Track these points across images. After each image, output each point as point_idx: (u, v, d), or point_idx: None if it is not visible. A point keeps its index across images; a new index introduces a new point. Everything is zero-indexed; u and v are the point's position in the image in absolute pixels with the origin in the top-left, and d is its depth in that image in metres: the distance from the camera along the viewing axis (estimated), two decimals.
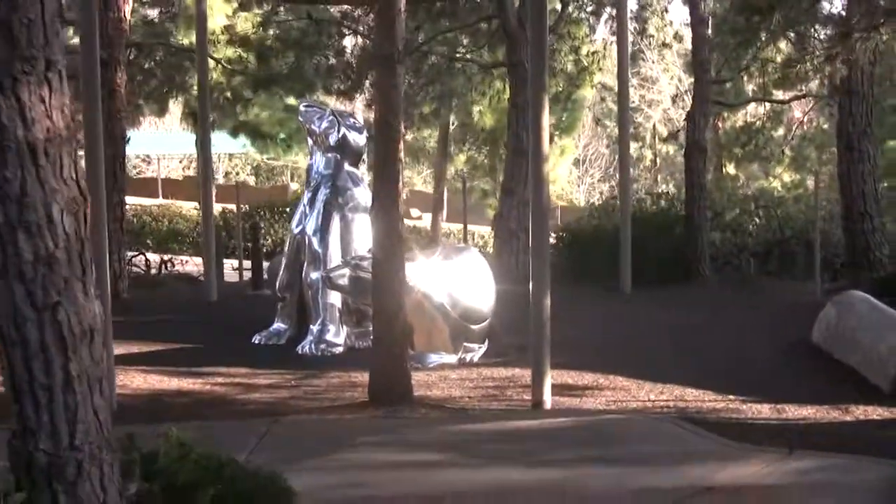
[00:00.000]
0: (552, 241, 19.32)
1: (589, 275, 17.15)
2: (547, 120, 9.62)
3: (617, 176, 60.12)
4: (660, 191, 28.15)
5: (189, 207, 34.68)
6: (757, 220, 19.73)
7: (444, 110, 25.50)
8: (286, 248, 13.87)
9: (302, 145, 28.57)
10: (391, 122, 9.42)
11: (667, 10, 34.68)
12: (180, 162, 54.69)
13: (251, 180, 54.87)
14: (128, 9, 15.58)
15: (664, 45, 33.41)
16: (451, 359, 11.96)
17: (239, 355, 12.45)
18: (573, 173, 59.88)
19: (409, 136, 37.54)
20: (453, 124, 29.64)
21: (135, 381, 11.01)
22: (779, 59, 19.36)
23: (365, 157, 14.42)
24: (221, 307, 15.57)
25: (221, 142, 37.61)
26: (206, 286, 16.16)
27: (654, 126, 58.79)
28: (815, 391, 10.09)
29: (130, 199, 34.49)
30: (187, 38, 24.46)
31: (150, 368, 11.60)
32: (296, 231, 13.50)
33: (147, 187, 47.74)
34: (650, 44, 42.11)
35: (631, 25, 23.85)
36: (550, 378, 9.68)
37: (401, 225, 9.56)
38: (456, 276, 12.18)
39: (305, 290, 13.13)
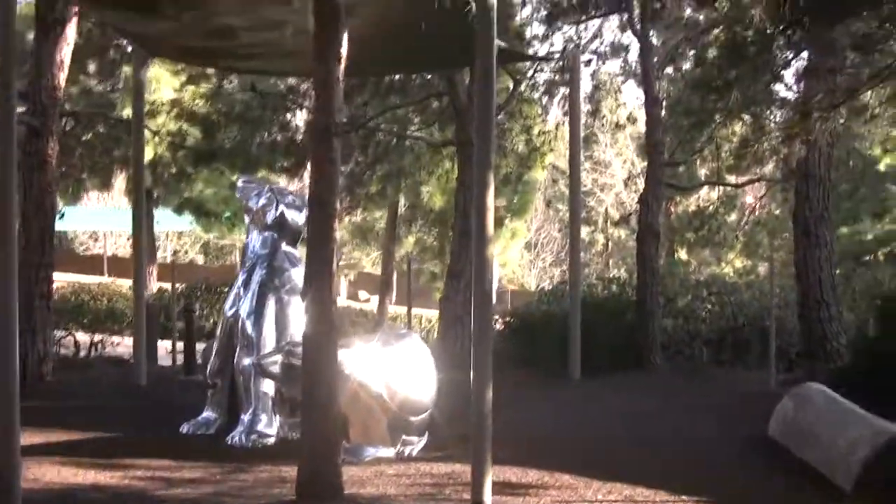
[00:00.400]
0: (500, 326, 18.77)
1: (537, 361, 16.55)
2: (492, 200, 9.07)
3: (569, 260, 60.18)
4: (611, 275, 27.63)
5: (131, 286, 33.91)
6: (710, 306, 19.21)
7: (392, 190, 24.96)
8: (218, 332, 13.15)
9: None
10: (326, 198, 8.85)
11: (620, 91, 34.43)
12: (128, 239, 53.71)
13: (200, 259, 54.13)
14: (62, 76, 14.92)
15: (617, 125, 33.13)
16: (389, 452, 11.27)
17: (164, 446, 11.70)
18: (524, 257, 59.67)
19: (357, 217, 37.10)
20: (403, 205, 29.12)
21: (47, 474, 10.22)
22: (734, 140, 18.98)
23: (305, 236, 13.79)
24: (151, 392, 14.78)
25: (168, 219, 36.95)
26: (135, 369, 15.35)
27: (605, 210, 58.78)
28: (773, 492, 9.57)
29: (73, 277, 33.88)
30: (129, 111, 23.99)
31: (65, 459, 10.81)
32: (229, 314, 12.81)
33: (93, 265, 46.79)
34: (603, 125, 42.02)
35: (584, 106, 23.24)
36: (491, 476, 9.07)
37: (333, 310, 8.95)
38: (395, 364, 11.52)
39: (237, 377, 12.42)
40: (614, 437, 11.97)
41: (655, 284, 16.93)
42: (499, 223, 28.29)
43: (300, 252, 13.24)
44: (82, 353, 17.05)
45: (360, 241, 36.02)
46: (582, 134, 18.03)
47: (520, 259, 56.62)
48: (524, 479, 10.02)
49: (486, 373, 8.89)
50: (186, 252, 58.02)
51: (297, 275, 12.64)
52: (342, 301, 40.26)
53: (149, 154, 24.94)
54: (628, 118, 28.96)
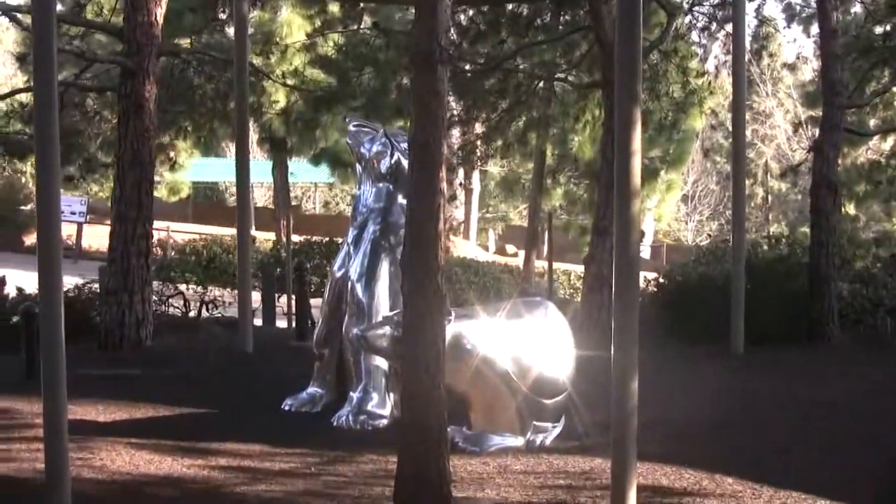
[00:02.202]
0: (652, 287, 16.83)
1: (694, 331, 14.50)
2: (638, 144, 7.15)
3: (727, 213, 57.59)
4: (778, 232, 25.23)
5: (263, 238, 32.59)
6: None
7: (537, 138, 22.94)
8: (325, 295, 11.53)
9: None
10: (430, 139, 7.08)
11: (788, 26, 31.63)
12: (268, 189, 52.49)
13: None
14: (160, 12, 13.45)
15: (787, 66, 30.33)
16: (517, 442, 9.54)
17: (259, 426, 10.22)
18: (681, 210, 57.46)
19: (503, 168, 35.24)
20: (551, 155, 27.10)
21: (118, 460, 8.83)
22: None
23: None
24: (257, 360, 13.28)
25: (306, 171, 35.64)
26: (240, 334, 13.88)
27: (766, 162, 55.94)
28: None
29: (216, 230, 32.77)
30: (260, 58, 22.56)
31: (144, 441, 9.44)
32: (338, 275, 11.20)
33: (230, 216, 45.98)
34: (769, 67, 39.35)
35: (748, 44, 20.83)
36: (637, 479, 7.28)
37: (440, 275, 7.18)
38: (526, 338, 9.76)
39: (346, 348, 10.82)
40: (787, 428, 9.99)
41: (832, 244, 14.72)
42: (653, 175, 26.23)
43: None
44: (194, 313, 15.65)
45: (507, 194, 34.08)
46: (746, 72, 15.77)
47: (676, 212, 54.45)
48: (678, 483, 8.20)
49: (630, 357, 7.06)
50: (338, 204, 56.83)
51: None
52: (488, 255, 38.59)
53: (281, 101, 23.68)
54: (798, 58, 26.18)
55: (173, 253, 28.97)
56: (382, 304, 10.69)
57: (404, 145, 11.29)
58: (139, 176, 13.29)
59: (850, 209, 28.32)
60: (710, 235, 53.04)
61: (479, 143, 19.48)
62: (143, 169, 13.34)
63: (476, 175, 38.11)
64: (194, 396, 11.30)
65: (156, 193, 34.66)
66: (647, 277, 17.57)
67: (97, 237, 32.63)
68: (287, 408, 10.99)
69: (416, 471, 7.16)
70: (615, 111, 7.28)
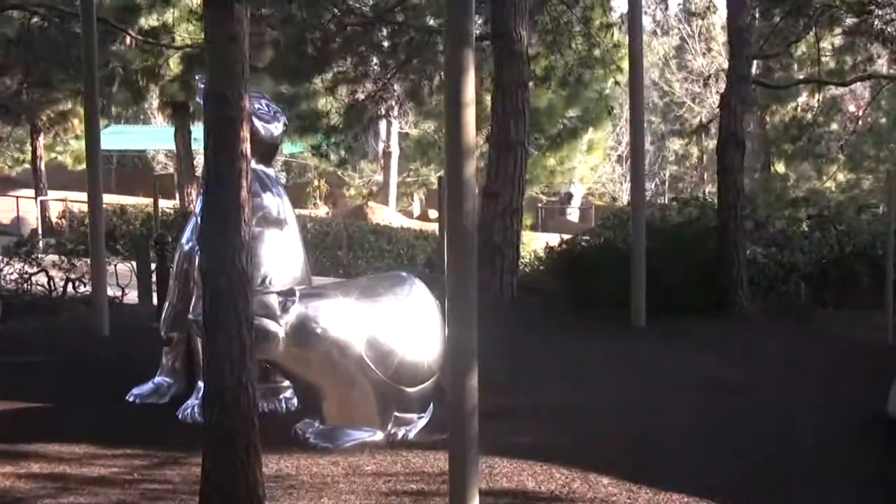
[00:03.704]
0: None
1: (593, 302, 13.49)
2: (472, 92, 6.10)
3: (662, 174, 56.88)
4: (689, 194, 24.34)
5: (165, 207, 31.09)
6: (806, 230, 15.98)
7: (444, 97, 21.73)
8: (172, 271, 10.37)
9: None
10: (226, 94, 5.97)
11: None
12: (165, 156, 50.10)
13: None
14: None
15: (691, 14, 29.18)
16: (377, 436, 8.44)
17: (94, 422, 9.03)
18: (615, 171, 56.80)
19: (414, 130, 33.99)
20: None
21: None
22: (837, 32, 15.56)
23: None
24: (112, 345, 12.04)
25: None
26: (95, 316, 12.64)
27: (700, 121, 55.24)
28: None
29: (129, 200, 31.31)
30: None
31: None
32: (185, 248, 10.03)
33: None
34: (698, 28, 38.24)
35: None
36: (501, 481, 6.41)
37: (244, 255, 6.08)
38: (386, 318, 8.69)
39: (193, 332, 9.67)
40: (679, 415, 9.04)
41: (741, 206, 13.77)
42: (572, 134, 25.27)
43: (274, 171, 10.43)
44: (56, 293, 14.40)
45: (422, 157, 32.91)
46: (651, 26, 14.66)
47: (611, 173, 53.86)
48: (546, 485, 7.21)
49: (468, 341, 6.11)
50: None
51: (271, 201, 9.89)
52: (411, 222, 37.48)
53: (177, 66, 22.42)
54: (709, 7, 25.01)
55: (74, 224, 27.53)
56: None
57: (257, 104, 10.15)
58: None
59: (780, 168, 27.62)
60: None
61: (368, 102, 18.21)
62: None
63: (395, 138, 36.99)
64: (32, 387, 10.10)
65: (61, 162, 33.55)
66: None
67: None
68: (132, 399, 9.84)
69: (221, 483, 6.09)
70: (446, 55, 6.22)
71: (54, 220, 29.68)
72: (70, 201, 30.55)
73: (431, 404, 8.93)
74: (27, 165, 33.14)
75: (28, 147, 30.18)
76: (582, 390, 9.90)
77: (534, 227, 36.50)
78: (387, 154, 37.52)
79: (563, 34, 17.08)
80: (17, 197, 30.70)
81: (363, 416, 8.53)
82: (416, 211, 45.66)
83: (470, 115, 6.03)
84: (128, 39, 22.52)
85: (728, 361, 10.97)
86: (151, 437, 8.58)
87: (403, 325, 8.81)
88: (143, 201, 30.57)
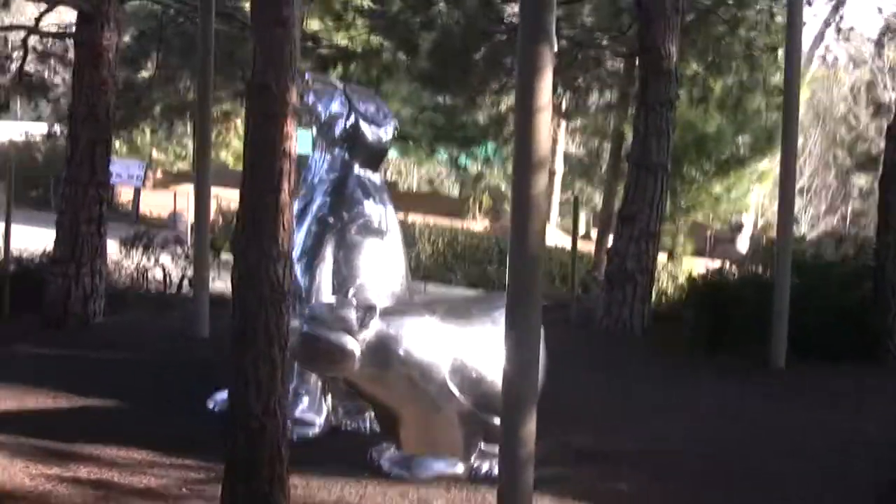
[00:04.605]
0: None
1: (730, 340, 12.41)
2: (548, 95, 5.34)
3: (844, 208, 54.53)
4: (853, 233, 22.78)
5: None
6: None
7: (614, 116, 20.82)
8: None
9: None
10: (271, 83, 5.37)
11: None
12: None
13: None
14: None
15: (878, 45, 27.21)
16: (457, 468, 7.75)
17: (163, 428, 8.56)
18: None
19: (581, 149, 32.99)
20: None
21: None
22: None
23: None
24: (210, 347, 11.53)
25: None
26: (194, 316, 12.26)
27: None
28: None
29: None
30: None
31: (6, 441, 7.85)
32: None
33: None
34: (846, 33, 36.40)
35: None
36: None
37: (282, 267, 5.45)
38: (478, 341, 7.97)
39: None
40: (812, 483, 7.98)
41: None
42: (739, 162, 24.08)
43: (379, 179, 9.80)
44: (173, 289, 14.06)
45: (584, 177, 31.94)
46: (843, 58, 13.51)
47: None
48: None
49: (528, 378, 5.36)
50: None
51: (373, 209, 9.28)
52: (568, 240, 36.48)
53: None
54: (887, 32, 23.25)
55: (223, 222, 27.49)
56: (325, 291, 8.96)
57: (367, 106, 9.57)
58: (93, 134, 11.70)
59: None
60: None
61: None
62: (98, 126, 11.73)
63: (559, 156, 36.18)
64: (112, 386, 9.69)
65: (222, 159, 33.64)
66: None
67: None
68: (211, 406, 9.33)
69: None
70: (518, 52, 5.46)
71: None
72: (221, 199, 30.63)
73: None
74: (186, 164, 33.40)
75: (190, 143, 30.39)
76: (701, 438, 8.92)
77: (699, 253, 35.18)
78: (550, 172, 36.62)
79: (724, 55, 16.06)
80: (175, 191, 30.96)
81: (444, 446, 7.84)
82: (582, 229, 44.67)
83: (543, 123, 5.28)
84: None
85: (868, 417, 9.84)
86: (217, 448, 8.02)
87: (497, 350, 8.07)
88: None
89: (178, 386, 9.90)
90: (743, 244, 43.67)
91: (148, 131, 28.97)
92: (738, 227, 43.51)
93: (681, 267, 23.55)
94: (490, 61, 16.18)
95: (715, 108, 18.16)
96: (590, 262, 26.87)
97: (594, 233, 40.27)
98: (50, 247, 12.59)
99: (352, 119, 9.35)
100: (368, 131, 9.41)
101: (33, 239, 14.07)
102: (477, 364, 7.87)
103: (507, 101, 17.48)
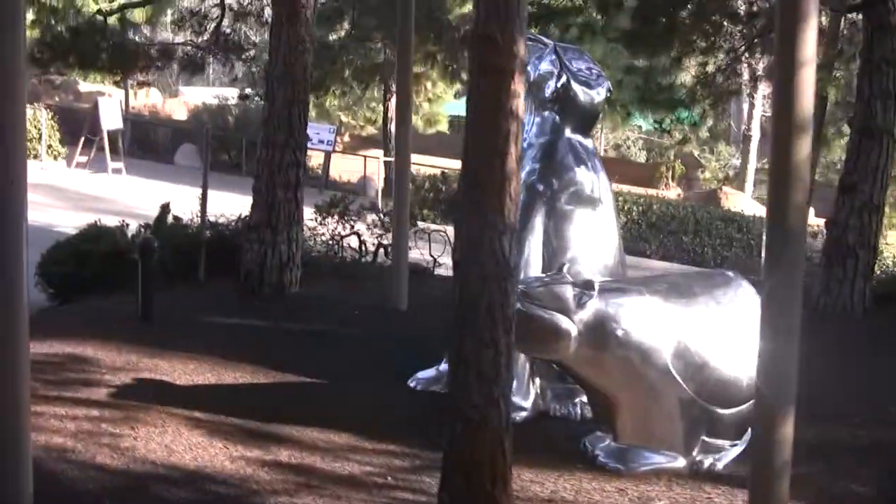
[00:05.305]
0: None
1: None
2: (813, 47, 4.66)
3: None
4: None
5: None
6: None
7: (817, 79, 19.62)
8: None
9: None
10: (496, 35, 4.81)
11: None
12: None
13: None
14: None
15: None
16: (678, 462, 7.12)
17: (364, 406, 8.19)
18: None
19: None
20: (835, 100, 23.58)
21: (155, 440, 7.07)
22: None
23: None
24: (408, 321, 11.08)
25: None
26: (392, 288, 11.75)
27: None
28: None
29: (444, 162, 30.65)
30: None
31: (206, 418, 7.63)
32: None
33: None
34: None
35: None
36: None
37: (507, 240, 4.89)
38: (701, 326, 7.31)
39: None
40: None
41: None
42: None
43: (591, 143, 9.16)
44: (367, 258, 13.64)
45: None
46: None
47: None
48: None
49: (786, 361, 4.70)
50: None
51: (585, 176, 8.66)
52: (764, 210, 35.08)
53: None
54: None
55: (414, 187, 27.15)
56: (534, 264, 8.39)
57: (578, 65, 8.92)
58: (290, 94, 11.29)
59: None
60: None
61: (720, 76, 16.45)
62: (296, 86, 11.32)
63: (756, 120, 34.75)
64: (310, 360, 9.34)
65: (414, 124, 33.33)
66: None
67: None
68: (413, 385, 8.88)
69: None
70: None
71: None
72: (414, 164, 30.28)
73: (749, 431, 7.46)
74: (376, 128, 33.13)
75: (380, 107, 30.07)
76: None
77: None
78: (746, 137, 35.32)
79: None
80: (366, 157, 30.72)
81: (664, 437, 7.22)
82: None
83: (807, 79, 4.60)
84: None
85: None
86: (422, 432, 7.55)
87: (722, 334, 7.39)
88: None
89: (377, 362, 9.47)
90: None
91: (338, 94, 28.76)
92: None
93: None
94: (698, 17, 15.24)
95: None
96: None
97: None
98: (244, 212, 12.35)
99: (563, 79, 8.74)
100: (580, 92, 8.79)
101: (226, 204, 13.88)
102: (701, 348, 7.21)
103: (715, 62, 16.49)
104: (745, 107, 36.15)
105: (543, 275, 7.78)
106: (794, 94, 4.70)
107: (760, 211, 32.96)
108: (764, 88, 22.53)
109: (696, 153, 38.39)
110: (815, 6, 4.67)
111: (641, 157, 43.97)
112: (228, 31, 15.42)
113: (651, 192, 31.79)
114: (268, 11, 16.46)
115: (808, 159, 4.85)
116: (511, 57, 4.80)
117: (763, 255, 5.03)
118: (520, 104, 4.91)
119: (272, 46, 11.45)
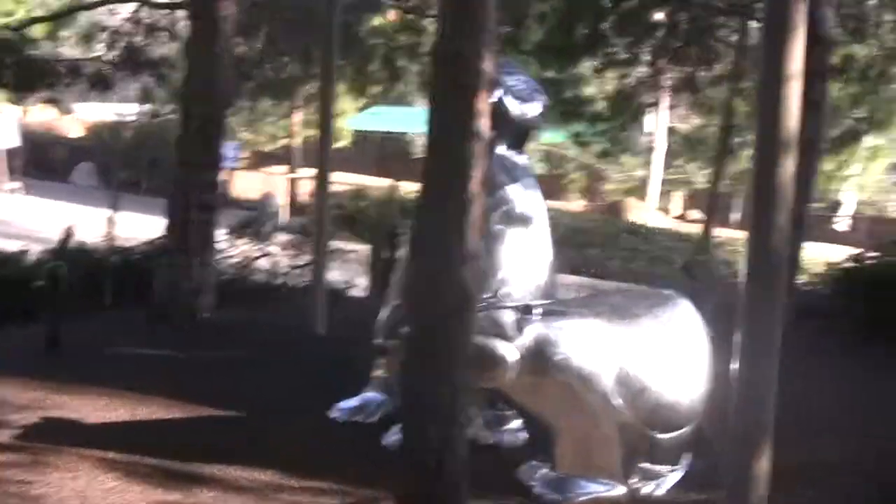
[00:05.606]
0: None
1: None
2: (799, 61, 4.52)
3: None
4: None
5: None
6: None
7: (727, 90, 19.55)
8: (393, 274, 8.92)
9: None
10: (462, 51, 4.60)
11: None
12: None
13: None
14: None
15: None
16: (617, 490, 6.92)
17: (286, 440, 7.77)
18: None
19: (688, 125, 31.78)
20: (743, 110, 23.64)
21: (68, 486, 6.62)
22: None
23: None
24: (326, 346, 10.67)
25: None
26: (310, 312, 11.32)
27: None
28: None
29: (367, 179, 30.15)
30: None
31: (121, 459, 7.22)
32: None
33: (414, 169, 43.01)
34: None
35: None
36: None
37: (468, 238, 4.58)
38: (641, 347, 7.08)
39: None
40: None
41: None
42: (854, 137, 22.81)
43: (526, 160, 8.85)
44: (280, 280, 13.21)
45: (690, 153, 30.72)
46: None
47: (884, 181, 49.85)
48: None
49: (766, 376, 4.54)
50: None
51: (517, 193, 8.35)
52: (667, 222, 35.31)
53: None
54: None
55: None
56: None
57: (513, 81, 8.62)
58: (205, 113, 10.87)
59: None
60: None
61: (640, 89, 16.30)
62: (214, 104, 10.90)
63: (662, 132, 34.89)
64: (227, 391, 8.90)
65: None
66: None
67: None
68: (336, 416, 8.49)
69: None
70: (765, 8, 4.58)
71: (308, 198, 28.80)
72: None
73: (688, 456, 7.24)
74: (275, 146, 32.69)
75: (284, 123, 29.63)
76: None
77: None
78: (651, 149, 35.51)
79: (869, 21, 14.80)
80: (269, 174, 30.25)
81: (602, 465, 7.02)
82: (676, 211, 43.30)
83: (793, 93, 4.39)
84: (392, 14, 21.55)
85: None
86: (350, 466, 7.20)
87: (663, 356, 7.18)
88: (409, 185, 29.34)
89: (297, 391, 9.07)
90: (840, 225, 41.99)
91: (243, 110, 28.31)
92: (837, 206, 41.86)
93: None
94: (620, 29, 15.05)
95: (859, 78, 16.85)
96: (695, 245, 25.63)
97: (690, 214, 39.15)
98: (148, 233, 11.89)
99: (496, 93, 8.45)
100: (512, 107, 8.49)
101: (128, 224, 13.40)
102: (642, 372, 6.99)
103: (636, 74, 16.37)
104: (649, 118, 36.40)
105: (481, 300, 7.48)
106: (778, 109, 4.55)
107: (664, 223, 33.18)
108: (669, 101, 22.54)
109: (598, 165, 38.44)
110: (802, 18, 4.47)
111: (541, 169, 43.98)
112: (141, 45, 14.91)
113: (555, 204, 31.75)
114: (182, 25, 15.95)
115: (793, 179, 4.64)
116: (478, 74, 4.50)
117: (745, 278, 4.83)
118: (485, 123, 4.63)
119: (190, 62, 11.00)
